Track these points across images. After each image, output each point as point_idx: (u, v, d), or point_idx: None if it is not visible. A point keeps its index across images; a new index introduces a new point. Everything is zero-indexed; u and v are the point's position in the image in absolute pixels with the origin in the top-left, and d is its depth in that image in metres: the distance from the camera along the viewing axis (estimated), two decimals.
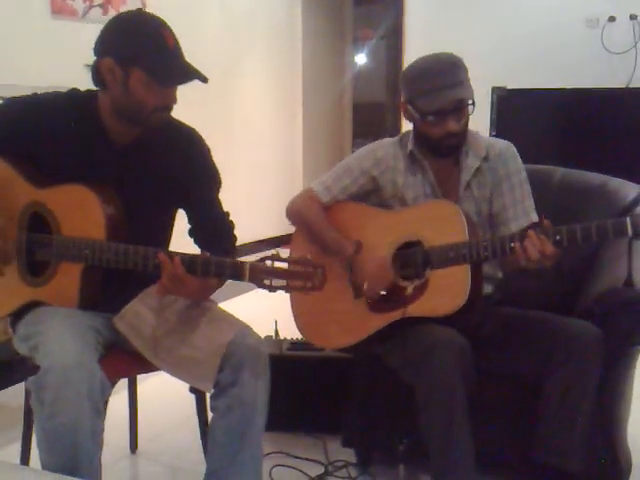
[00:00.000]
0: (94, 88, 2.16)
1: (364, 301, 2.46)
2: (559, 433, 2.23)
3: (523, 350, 2.34)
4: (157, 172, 2.23)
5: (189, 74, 2.08)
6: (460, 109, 2.33)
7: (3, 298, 2.25)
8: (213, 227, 2.34)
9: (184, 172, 2.25)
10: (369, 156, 2.55)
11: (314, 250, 2.54)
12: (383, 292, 2.41)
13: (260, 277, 1.91)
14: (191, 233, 2.35)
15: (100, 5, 4.58)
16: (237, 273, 1.95)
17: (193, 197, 2.30)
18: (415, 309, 2.34)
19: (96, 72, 2.09)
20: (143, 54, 2.03)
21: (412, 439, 2.40)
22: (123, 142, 2.20)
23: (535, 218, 2.43)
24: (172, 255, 1.99)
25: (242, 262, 1.95)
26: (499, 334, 2.40)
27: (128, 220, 2.15)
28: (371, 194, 2.57)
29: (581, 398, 2.21)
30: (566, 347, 2.21)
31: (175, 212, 2.38)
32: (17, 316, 2.20)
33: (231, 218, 2.40)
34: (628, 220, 2.00)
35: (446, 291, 2.30)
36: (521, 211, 2.46)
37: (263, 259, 1.92)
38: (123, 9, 4.64)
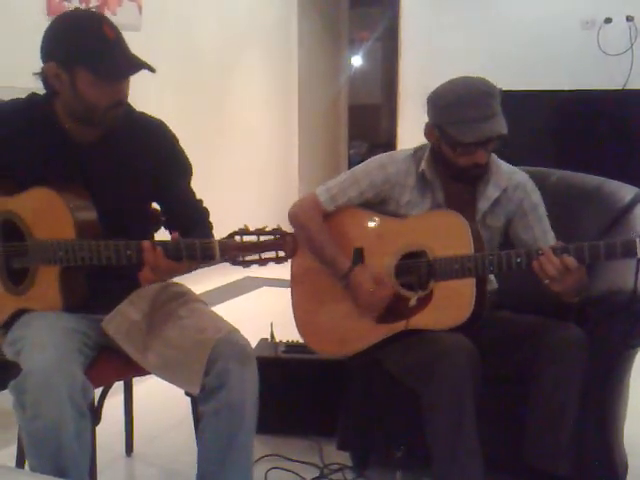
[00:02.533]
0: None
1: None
2: (545, 436, 2.22)
3: (510, 353, 2.33)
4: (126, 167, 2.21)
5: (134, 66, 2.04)
6: (491, 142, 2.30)
7: None
8: (188, 216, 2.30)
9: (153, 164, 2.24)
10: (379, 171, 2.51)
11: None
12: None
13: (231, 254, 1.89)
14: (167, 225, 2.33)
15: (96, 7, 4.56)
16: (207, 253, 1.93)
17: (165, 188, 2.28)
18: (418, 321, 2.33)
19: (44, 78, 2.07)
20: (84, 53, 2.00)
21: (410, 445, 2.39)
22: (87, 141, 2.18)
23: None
24: (154, 244, 1.98)
25: (211, 240, 1.93)
26: (493, 338, 2.40)
27: (103, 217, 2.13)
28: (375, 206, 2.54)
29: (565, 401, 2.20)
30: (549, 351, 2.21)
31: (150, 206, 2.37)
32: (8, 325, 2.19)
33: (207, 206, 2.37)
34: (638, 241, 2.00)
35: (450, 304, 2.29)
36: (551, 238, 2.44)
37: (231, 235, 1.91)
38: (119, 11, 4.63)
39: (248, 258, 1.89)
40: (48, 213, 2.10)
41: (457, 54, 6.08)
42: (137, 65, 2.04)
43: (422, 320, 2.33)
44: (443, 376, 2.16)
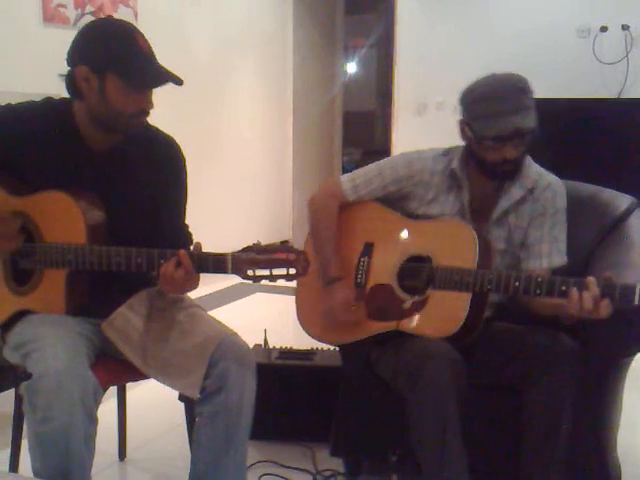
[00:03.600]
0: (68, 97, 2.16)
1: (363, 305, 2.45)
2: (540, 450, 2.22)
3: (503, 364, 2.33)
4: (135, 178, 2.22)
5: (164, 77, 2.08)
6: (520, 136, 2.28)
7: None
8: (171, 237, 2.29)
9: (157, 179, 2.25)
10: (405, 166, 2.51)
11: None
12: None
13: (243, 268, 1.90)
14: (147, 240, 2.19)
15: (91, 13, 4.57)
16: (220, 266, 1.94)
17: (163, 205, 2.29)
18: (408, 325, 2.34)
19: (71, 81, 2.09)
20: (117, 59, 2.03)
21: (405, 449, 2.39)
22: (101, 149, 2.19)
23: (566, 261, 2.42)
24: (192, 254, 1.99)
25: (224, 254, 1.94)
26: (486, 348, 2.40)
27: (110, 225, 2.15)
28: (396, 202, 2.54)
29: (559, 413, 2.20)
30: (543, 362, 2.21)
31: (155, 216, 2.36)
32: (6, 326, 2.19)
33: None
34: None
35: (441, 315, 2.29)
36: (556, 249, 2.42)
37: (245, 249, 1.91)
38: (115, 16, 4.64)
39: (259, 273, 1.90)
40: (61, 216, 2.11)
41: (452, 61, 6.09)
42: (166, 76, 2.07)
43: (412, 325, 2.33)
44: (426, 382, 2.16)
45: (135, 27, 2.10)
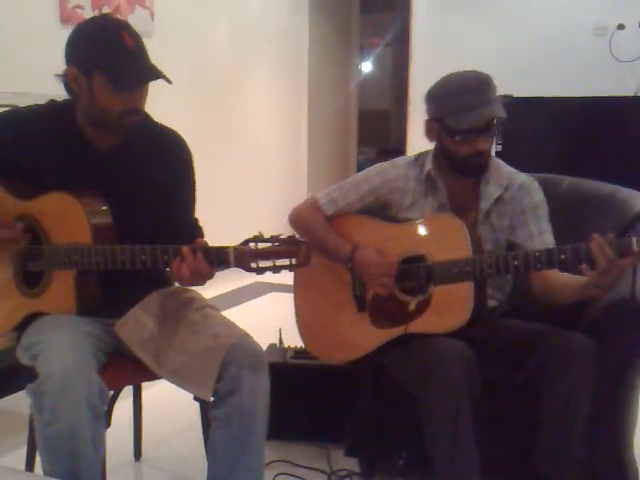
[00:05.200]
0: (70, 99, 2.16)
1: (367, 315, 2.46)
2: (556, 445, 2.22)
3: (518, 361, 2.32)
4: (141, 176, 2.22)
5: (148, 76, 2.06)
6: (489, 128, 2.33)
7: (4, 314, 2.25)
8: (184, 232, 2.27)
9: (164, 175, 2.25)
10: (379, 176, 2.54)
11: (317, 262, 2.51)
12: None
13: (246, 260, 1.89)
14: (156, 236, 2.18)
15: (108, 13, 4.58)
16: (222, 258, 1.94)
17: (171, 201, 2.28)
18: (417, 325, 2.34)
19: (65, 82, 2.10)
20: (101, 59, 2.02)
21: (412, 453, 2.39)
22: (106, 148, 2.20)
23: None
24: (194, 249, 1.98)
25: (226, 247, 1.93)
26: (501, 346, 2.39)
27: (117, 223, 2.14)
28: (377, 212, 2.56)
29: (576, 410, 2.19)
30: (559, 359, 2.20)
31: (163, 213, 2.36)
32: (20, 328, 2.20)
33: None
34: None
35: (449, 308, 2.30)
36: (549, 241, 2.44)
37: (246, 242, 1.91)
38: (131, 17, 4.66)
39: (262, 265, 1.89)
40: (65, 217, 2.12)
41: (468, 60, 6.02)
42: (150, 75, 2.06)
43: (421, 324, 2.33)
44: (439, 382, 2.17)
45: (126, 24, 2.09)
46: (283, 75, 6.99)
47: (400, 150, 7.02)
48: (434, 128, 2.42)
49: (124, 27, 2.06)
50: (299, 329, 2.65)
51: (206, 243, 2.02)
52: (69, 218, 2.10)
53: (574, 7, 5.86)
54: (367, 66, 10.78)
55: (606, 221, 2.63)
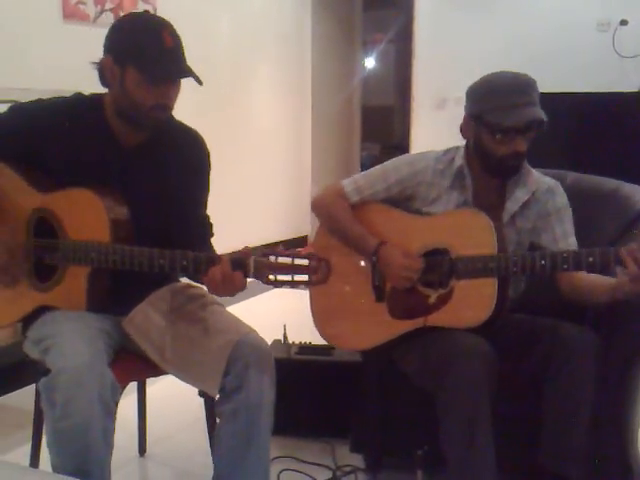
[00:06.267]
0: (98, 92, 2.18)
1: (385, 305, 2.45)
2: (559, 439, 2.21)
3: (524, 355, 2.32)
4: (162, 174, 2.23)
5: (180, 73, 2.09)
6: (530, 130, 2.31)
7: (13, 304, 2.26)
8: (198, 229, 2.32)
9: (186, 173, 2.26)
10: (408, 167, 2.52)
11: (337, 246, 2.53)
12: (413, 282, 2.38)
13: (264, 272, 1.90)
14: (171, 233, 2.23)
15: (111, 10, 4.58)
16: (241, 268, 1.94)
17: (188, 199, 2.29)
18: (437, 319, 2.33)
19: (100, 71, 2.13)
20: (136, 52, 2.05)
21: (432, 445, 2.38)
22: (130, 144, 2.21)
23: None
24: (219, 257, 1.98)
25: (245, 256, 1.94)
26: (508, 340, 2.39)
27: (134, 220, 2.15)
28: (400, 203, 2.54)
29: (578, 405, 2.19)
30: (563, 352, 2.20)
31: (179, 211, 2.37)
32: (27, 321, 2.20)
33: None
34: None
35: (471, 304, 2.29)
36: (573, 243, 2.43)
37: (266, 254, 1.91)
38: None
39: (280, 278, 1.89)
40: (85, 214, 2.12)
41: (471, 56, 6.06)
42: (182, 72, 2.08)
43: (441, 318, 2.32)
44: (458, 378, 2.15)
45: (168, 24, 2.12)
46: (286, 72, 6.98)
47: (404, 146, 7.02)
48: (471, 126, 2.40)
49: (166, 26, 2.10)
50: (313, 314, 2.61)
51: (250, 250, 1.99)
52: (89, 215, 2.11)
53: (577, 3, 5.84)
54: (370, 62, 10.77)
55: (610, 216, 2.63)
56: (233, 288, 1.98)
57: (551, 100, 5.79)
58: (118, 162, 2.19)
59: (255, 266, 1.91)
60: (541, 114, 2.28)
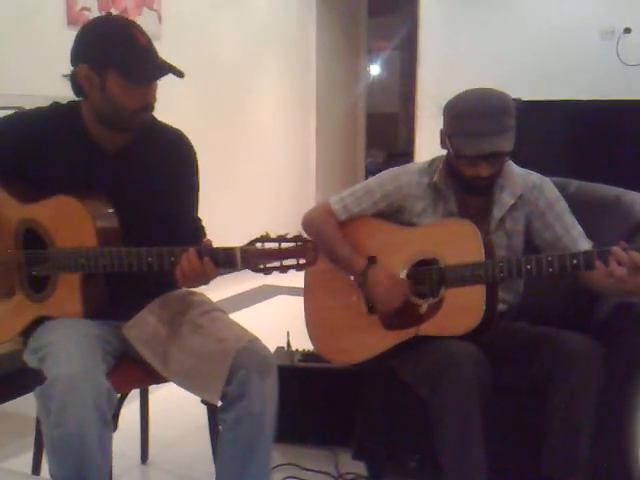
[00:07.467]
0: (75, 100, 2.17)
1: (378, 317, 2.45)
2: (562, 447, 2.21)
3: (525, 363, 2.33)
4: (147, 176, 2.23)
5: (163, 69, 2.07)
6: (497, 156, 2.29)
7: (11, 319, 2.25)
8: (188, 232, 2.29)
9: (171, 175, 2.25)
10: (392, 181, 2.53)
11: (328, 262, 2.54)
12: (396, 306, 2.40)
13: (253, 261, 1.89)
14: (161, 237, 2.16)
15: None
16: (229, 260, 1.94)
17: (175, 201, 2.28)
18: (428, 328, 2.33)
19: (74, 81, 2.10)
20: (115, 55, 2.03)
21: (424, 455, 2.39)
22: (112, 149, 2.20)
23: (590, 242, 2.39)
24: (200, 251, 1.98)
25: (232, 248, 1.93)
26: (508, 348, 2.39)
27: (123, 225, 2.14)
28: (389, 216, 2.55)
29: (582, 413, 2.19)
30: (565, 361, 2.19)
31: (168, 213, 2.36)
32: (28, 332, 2.20)
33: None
34: None
35: (460, 311, 2.29)
36: (578, 234, 2.41)
37: (253, 242, 1.90)
38: (139, 20, 4.65)
39: (269, 265, 1.89)
40: (70, 221, 2.11)
41: (475, 64, 6.07)
42: (165, 69, 2.07)
43: (433, 327, 2.33)
44: (450, 386, 2.16)
45: (133, 22, 2.11)
46: (291, 78, 7.00)
47: (408, 153, 7.03)
48: (445, 140, 2.39)
49: (132, 24, 2.09)
50: (308, 331, 2.64)
51: (211, 242, 2.02)
52: (74, 222, 2.10)
53: (580, 11, 5.85)
54: (375, 69, 10.79)
55: (612, 224, 2.63)
56: (204, 276, 1.98)
57: (556, 108, 5.84)
58: (101, 168, 2.18)
59: (242, 255, 1.90)
60: (506, 144, 2.26)
